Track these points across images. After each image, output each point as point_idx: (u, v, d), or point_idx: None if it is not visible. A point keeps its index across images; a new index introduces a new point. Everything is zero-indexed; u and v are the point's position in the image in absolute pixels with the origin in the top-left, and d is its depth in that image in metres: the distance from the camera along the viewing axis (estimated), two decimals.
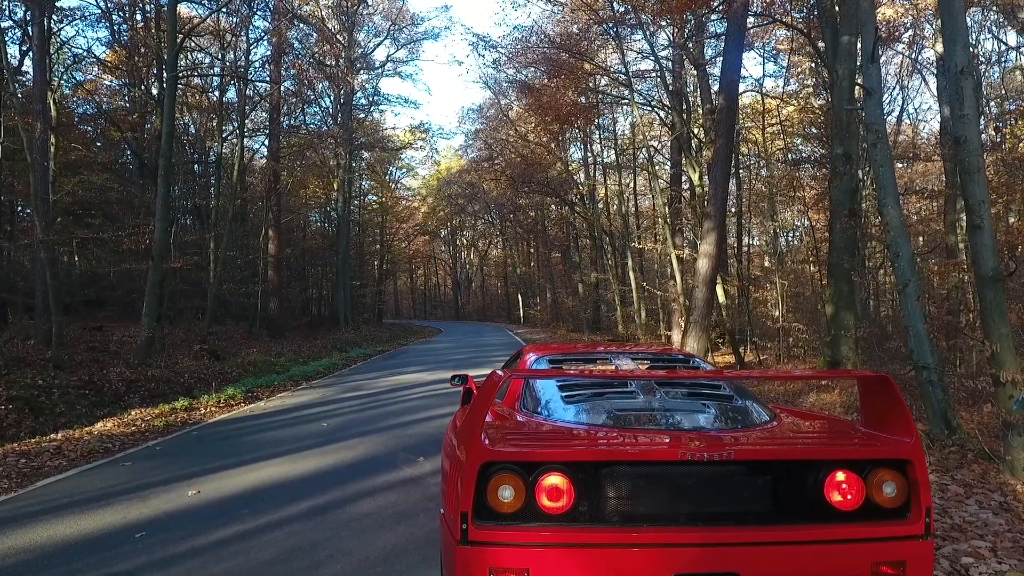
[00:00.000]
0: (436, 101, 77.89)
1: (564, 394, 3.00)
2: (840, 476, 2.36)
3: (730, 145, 13.92)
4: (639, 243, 24.99)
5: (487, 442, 2.38)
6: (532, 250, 46.88)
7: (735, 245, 19.09)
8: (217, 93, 22.22)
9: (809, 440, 2.81)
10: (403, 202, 47.08)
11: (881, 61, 17.46)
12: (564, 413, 2.88)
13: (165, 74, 15.42)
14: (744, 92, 18.79)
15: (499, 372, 2.62)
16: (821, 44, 13.51)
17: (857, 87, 12.95)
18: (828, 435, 2.91)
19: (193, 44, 21.24)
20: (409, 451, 6.48)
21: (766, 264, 23.99)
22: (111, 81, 23.46)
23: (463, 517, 2.29)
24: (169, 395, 10.90)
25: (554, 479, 2.31)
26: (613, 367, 3.68)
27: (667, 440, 2.53)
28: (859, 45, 12.16)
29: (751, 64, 56.61)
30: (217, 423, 8.51)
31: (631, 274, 23.25)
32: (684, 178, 19.32)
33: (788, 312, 15.97)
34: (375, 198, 43.07)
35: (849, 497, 2.35)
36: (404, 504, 4.73)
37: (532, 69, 21.78)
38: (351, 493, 5.05)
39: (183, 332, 19.54)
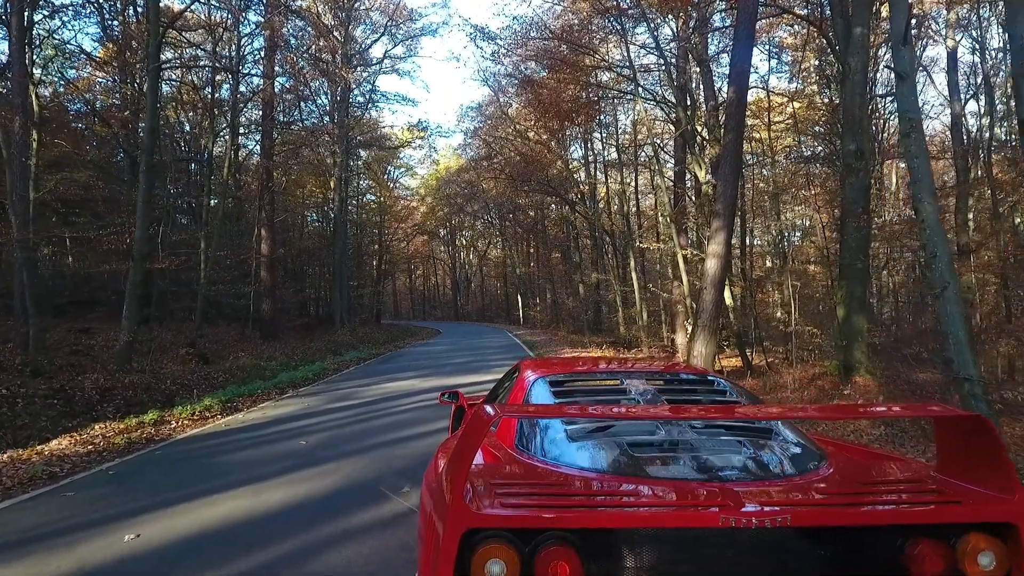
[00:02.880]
0: (434, 99, 77.35)
1: (570, 427, 2.45)
2: (921, 543, 1.83)
3: (740, 140, 13.29)
4: (641, 243, 24.37)
5: (471, 501, 1.81)
6: (532, 250, 46.31)
7: (740, 245, 18.55)
8: (210, 89, 21.61)
9: (882, 498, 2.23)
10: (401, 201, 46.49)
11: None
12: (570, 452, 2.33)
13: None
14: (749, 88, 18.22)
15: (488, 409, 2.03)
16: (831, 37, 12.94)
17: (878, 74, 12.33)
18: (904, 489, 2.31)
19: (185, 40, 20.63)
20: (396, 475, 5.82)
21: (767, 264, 23.47)
22: (103, 78, 22.86)
23: None
24: (147, 403, 10.28)
25: (558, 550, 1.75)
26: (622, 384, 3.14)
27: (702, 497, 1.95)
28: (871, 37, 11.59)
29: (756, 60, 56.07)
30: (186, 440, 7.83)
31: (633, 275, 22.61)
32: (688, 176, 18.72)
33: (797, 314, 15.38)
34: (373, 197, 42.50)
35: (934, 570, 1.80)
36: (381, 554, 3.98)
37: (532, 63, 21.23)
38: (319, 538, 4.28)
39: (172, 334, 18.91)
